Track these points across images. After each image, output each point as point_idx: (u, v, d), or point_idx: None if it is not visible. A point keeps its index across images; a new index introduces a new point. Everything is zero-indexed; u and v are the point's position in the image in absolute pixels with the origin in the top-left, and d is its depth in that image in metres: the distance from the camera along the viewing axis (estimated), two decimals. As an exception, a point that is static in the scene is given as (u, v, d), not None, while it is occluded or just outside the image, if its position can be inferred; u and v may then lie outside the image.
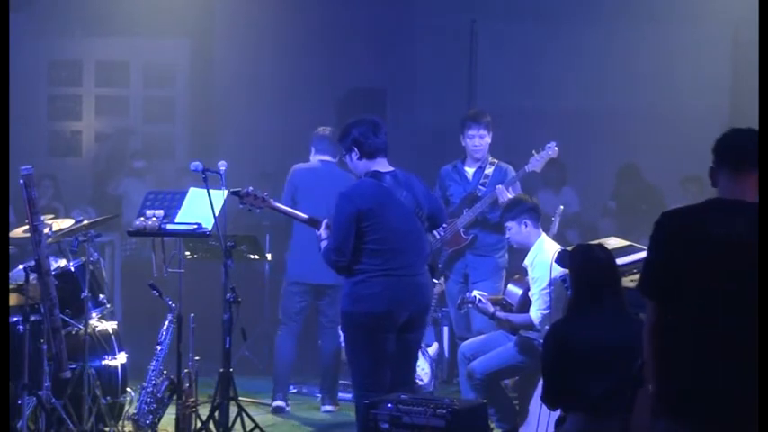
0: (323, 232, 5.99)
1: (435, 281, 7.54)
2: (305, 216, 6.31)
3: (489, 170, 7.55)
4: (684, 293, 3.88)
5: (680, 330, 3.88)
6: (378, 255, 5.75)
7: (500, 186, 7.33)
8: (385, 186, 5.81)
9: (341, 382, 8.10)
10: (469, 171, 7.63)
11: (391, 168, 5.92)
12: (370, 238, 5.74)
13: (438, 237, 7.48)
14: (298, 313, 7.86)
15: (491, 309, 6.84)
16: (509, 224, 6.86)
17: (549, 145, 7.43)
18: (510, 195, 7.25)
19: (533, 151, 7.44)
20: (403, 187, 5.85)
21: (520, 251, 7.04)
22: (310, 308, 7.96)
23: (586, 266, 5.13)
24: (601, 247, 5.30)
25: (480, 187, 7.51)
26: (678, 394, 3.88)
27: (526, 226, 6.81)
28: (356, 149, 5.85)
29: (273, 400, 7.81)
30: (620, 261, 5.52)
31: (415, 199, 5.88)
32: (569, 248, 5.74)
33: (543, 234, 6.87)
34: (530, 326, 6.64)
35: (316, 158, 7.84)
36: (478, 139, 7.53)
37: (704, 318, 3.86)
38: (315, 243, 6.10)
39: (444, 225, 7.32)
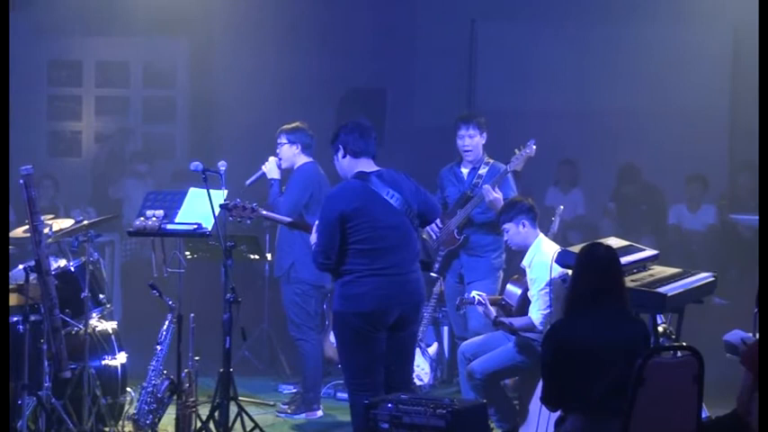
0: (313, 236, 6.09)
1: (434, 274, 7.54)
2: (288, 220, 6.43)
3: (483, 170, 7.52)
4: None
5: None
6: (364, 255, 5.77)
7: (486, 186, 7.31)
8: (370, 187, 5.84)
9: (339, 381, 8.10)
10: (465, 171, 7.61)
11: (377, 168, 5.96)
12: (356, 239, 5.77)
13: (434, 237, 7.49)
14: (316, 317, 7.62)
15: (493, 314, 6.80)
16: (506, 226, 6.81)
17: (528, 143, 7.41)
18: (496, 194, 7.23)
19: (515, 149, 7.43)
20: (389, 186, 5.87)
21: (518, 251, 7.01)
22: None
23: (591, 266, 5.11)
24: (606, 246, 5.29)
25: (473, 187, 7.50)
26: None
27: (524, 226, 6.78)
28: (342, 148, 5.95)
29: (314, 411, 7.51)
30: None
31: (403, 197, 5.89)
32: (572, 248, 5.73)
33: (541, 234, 6.84)
34: (531, 328, 6.61)
35: (306, 159, 7.46)
36: (468, 139, 7.52)
37: None
38: None
39: (439, 225, 7.35)
